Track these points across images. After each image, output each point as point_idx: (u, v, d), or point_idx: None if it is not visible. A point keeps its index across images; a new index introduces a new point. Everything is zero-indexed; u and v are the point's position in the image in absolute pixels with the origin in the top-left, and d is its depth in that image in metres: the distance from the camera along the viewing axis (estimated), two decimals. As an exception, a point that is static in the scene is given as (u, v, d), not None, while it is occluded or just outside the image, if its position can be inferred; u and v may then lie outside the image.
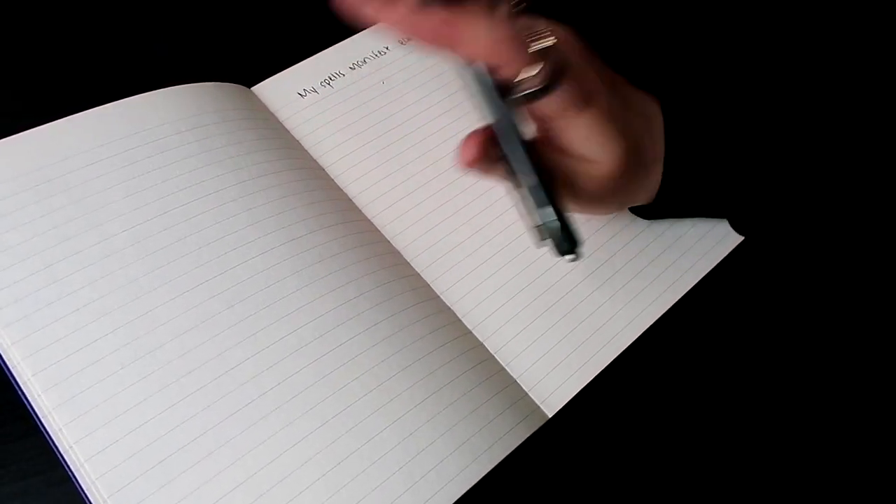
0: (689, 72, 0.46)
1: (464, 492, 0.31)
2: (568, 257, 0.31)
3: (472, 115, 0.42)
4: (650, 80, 0.38)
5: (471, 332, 0.36)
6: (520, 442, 0.32)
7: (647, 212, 0.38)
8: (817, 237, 0.40)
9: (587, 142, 0.32)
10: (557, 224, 0.30)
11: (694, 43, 0.47)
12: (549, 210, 0.30)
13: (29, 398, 0.29)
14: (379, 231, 0.38)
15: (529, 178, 0.30)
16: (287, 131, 0.41)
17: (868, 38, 0.44)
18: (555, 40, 0.30)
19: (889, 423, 0.35)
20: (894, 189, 0.36)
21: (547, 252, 0.38)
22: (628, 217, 0.40)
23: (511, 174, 0.31)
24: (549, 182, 0.31)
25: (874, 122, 0.35)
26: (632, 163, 0.33)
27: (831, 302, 0.38)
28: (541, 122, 0.33)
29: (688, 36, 0.47)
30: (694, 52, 0.46)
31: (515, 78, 0.29)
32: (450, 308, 0.36)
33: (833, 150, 0.35)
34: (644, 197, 0.36)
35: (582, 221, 0.39)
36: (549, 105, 0.31)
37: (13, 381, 0.30)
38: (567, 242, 0.31)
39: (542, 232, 0.31)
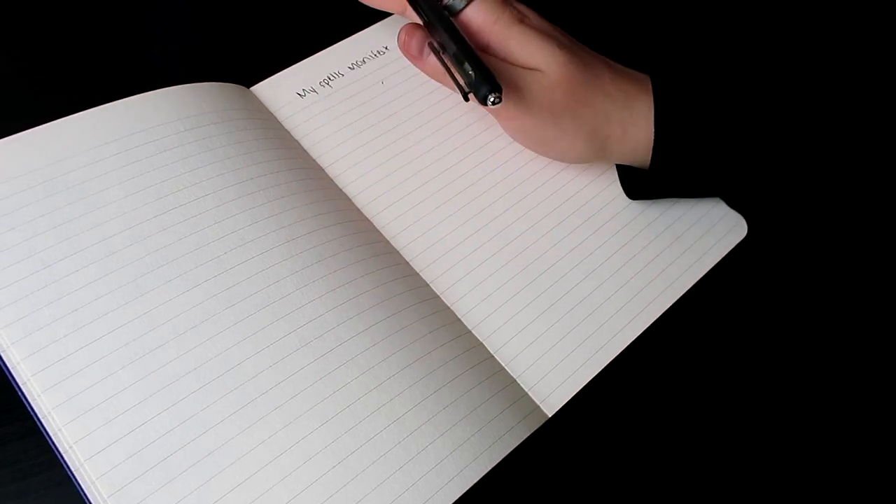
0: (682, 50, 0.46)
1: (464, 491, 0.31)
2: (491, 99, 0.33)
3: (470, 116, 0.42)
4: (643, 57, 0.38)
5: (470, 332, 0.36)
6: (519, 441, 0.32)
7: (642, 187, 0.38)
8: (815, 215, 0.40)
9: (524, 48, 0.35)
10: (475, 72, 0.33)
11: (689, 26, 0.47)
12: (468, 65, 0.33)
13: (28, 398, 0.29)
14: (378, 231, 0.38)
15: (451, 47, 0.34)
16: (286, 131, 0.41)
17: (859, 21, 0.43)
18: None
19: (889, 423, 0.35)
20: (890, 170, 0.36)
21: (546, 252, 0.38)
22: (629, 215, 0.40)
23: (439, 53, 0.35)
24: (467, 47, 0.34)
25: (871, 104, 0.36)
26: (579, 75, 0.35)
27: (835, 300, 0.39)
28: (480, 35, 0.36)
29: (682, 20, 0.47)
30: (688, 34, 0.46)
31: None
32: (449, 308, 0.36)
33: (829, 128, 0.35)
34: (619, 147, 0.37)
35: (581, 218, 0.39)
36: (477, 17, 0.36)
37: (12, 382, 0.30)
38: (486, 85, 0.33)
39: (465, 85, 0.34)
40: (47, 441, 0.29)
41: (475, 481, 0.31)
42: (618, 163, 0.39)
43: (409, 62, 0.37)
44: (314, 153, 0.40)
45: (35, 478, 0.30)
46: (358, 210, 0.39)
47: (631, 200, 0.40)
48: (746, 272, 0.39)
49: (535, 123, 0.36)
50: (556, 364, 0.35)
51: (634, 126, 0.36)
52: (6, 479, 0.30)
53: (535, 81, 0.35)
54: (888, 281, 0.39)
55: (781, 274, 0.39)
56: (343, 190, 0.39)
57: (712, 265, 0.39)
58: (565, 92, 0.35)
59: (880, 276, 0.39)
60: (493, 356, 0.35)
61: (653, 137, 0.35)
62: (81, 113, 0.36)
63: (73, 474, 0.28)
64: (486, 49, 0.36)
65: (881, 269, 0.39)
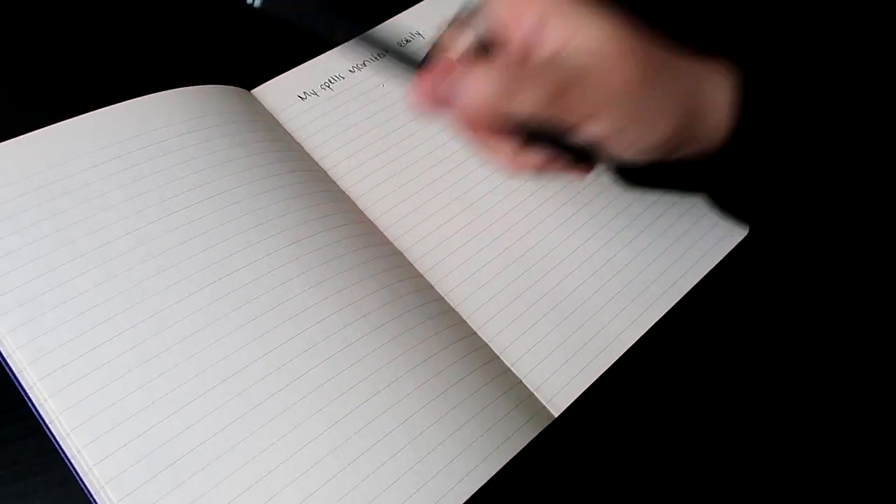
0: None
1: (474, 491, 0.31)
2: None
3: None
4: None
5: (476, 333, 0.36)
6: (527, 442, 0.33)
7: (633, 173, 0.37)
8: (815, 217, 0.40)
9: (565, 23, 0.29)
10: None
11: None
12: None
13: (35, 403, 0.29)
14: (382, 233, 0.38)
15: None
16: (288, 134, 0.41)
17: (862, 21, 0.44)
18: None
19: (889, 423, 0.36)
20: (890, 173, 0.36)
21: (549, 253, 0.38)
22: (629, 217, 0.40)
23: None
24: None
25: (872, 106, 0.36)
26: (638, 51, 0.29)
27: (835, 302, 0.39)
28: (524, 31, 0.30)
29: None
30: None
31: None
32: (454, 309, 0.36)
33: (830, 129, 0.35)
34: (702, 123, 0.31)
35: (582, 219, 0.40)
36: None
37: (18, 386, 0.29)
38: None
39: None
40: (54, 445, 0.29)
41: (485, 481, 0.31)
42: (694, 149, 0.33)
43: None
44: (316, 155, 0.40)
45: (34, 478, 0.30)
46: (361, 212, 0.39)
47: (631, 202, 0.40)
48: (748, 272, 0.39)
49: (611, 117, 0.30)
50: (561, 365, 0.35)
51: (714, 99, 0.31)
52: (6, 480, 0.30)
53: (593, 66, 0.29)
54: (888, 283, 0.39)
55: (781, 274, 0.40)
56: (346, 192, 0.39)
57: (713, 266, 0.39)
58: (627, 66, 0.29)
59: (880, 278, 0.40)
60: (498, 357, 0.35)
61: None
62: (84, 116, 0.36)
63: (81, 479, 0.28)
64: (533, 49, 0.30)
65: (881, 271, 0.40)
